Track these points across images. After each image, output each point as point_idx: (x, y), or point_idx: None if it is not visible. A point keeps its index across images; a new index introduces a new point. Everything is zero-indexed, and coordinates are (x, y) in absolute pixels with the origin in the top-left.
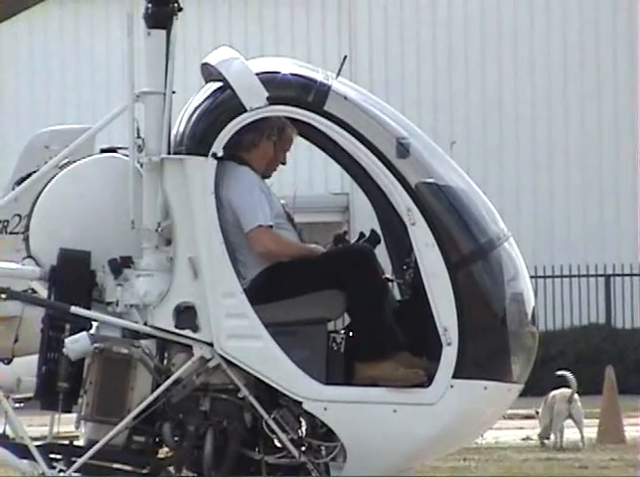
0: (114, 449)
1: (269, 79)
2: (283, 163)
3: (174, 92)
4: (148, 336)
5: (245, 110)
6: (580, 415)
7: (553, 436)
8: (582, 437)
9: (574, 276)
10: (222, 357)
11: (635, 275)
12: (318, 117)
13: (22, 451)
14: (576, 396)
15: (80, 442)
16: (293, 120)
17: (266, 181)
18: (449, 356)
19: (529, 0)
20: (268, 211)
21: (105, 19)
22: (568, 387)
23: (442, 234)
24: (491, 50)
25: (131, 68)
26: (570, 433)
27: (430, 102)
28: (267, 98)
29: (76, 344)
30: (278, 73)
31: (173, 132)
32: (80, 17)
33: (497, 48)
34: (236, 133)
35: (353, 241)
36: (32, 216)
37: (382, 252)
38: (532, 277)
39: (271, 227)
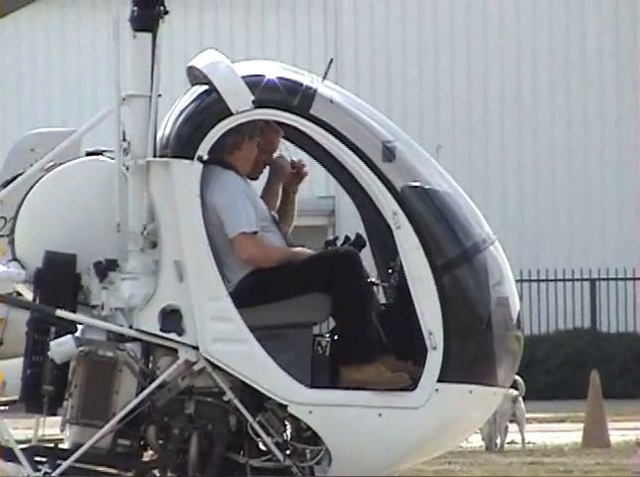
0: (99, 452)
1: (255, 83)
2: (269, 164)
3: (160, 95)
4: (133, 339)
5: (231, 114)
6: (522, 417)
7: (498, 436)
8: (523, 439)
9: (560, 280)
10: (207, 360)
11: (620, 280)
12: (304, 121)
13: (7, 454)
14: (520, 397)
15: (65, 445)
16: (279, 123)
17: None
18: (434, 360)
19: (515, 2)
20: (253, 216)
21: (91, 22)
22: (516, 388)
23: (428, 237)
24: (477, 53)
25: (117, 71)
26: (554, 437)
27: (416, 106)
28: (253, 102)
29: (61, 347)
30: (264, 76)
31: (159, 135)
32: (67, 20)
33: (483, 52)
34: (219, 136)
35: (339, 245)
36: (17, 218)
37: (367, 256)
38: (517, 281)
39: (256, 233)
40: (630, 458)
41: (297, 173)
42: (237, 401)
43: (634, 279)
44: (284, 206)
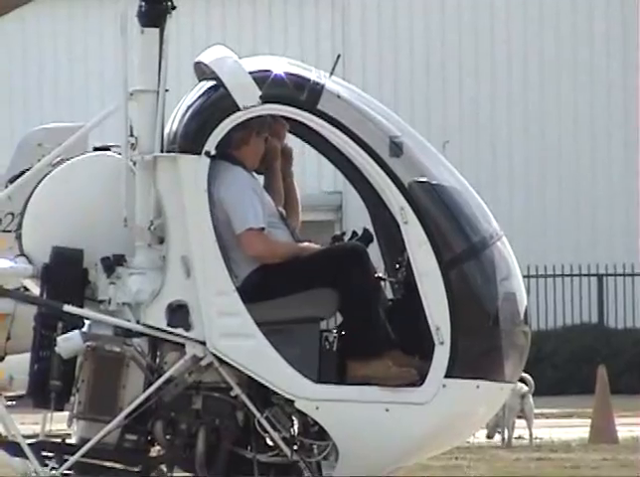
0: (106, 447)
1: (263, 78)
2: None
3: (167, 91)
4: (141, 334)
5: (239, 109)
6: (531, 412)
7: (506, 431)
8: (531, 435)
9: (567, 276)
10: (214, 355)
11: (627, 275)
12: (311, 116)
13: (14, 449)
14: (529, 393)
15: (73, 440)
16: (286, 119)
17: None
18: (441, 355)
19: (522, 0)
20: (260, 211)
21: (99, 17)
22: (525, 383)
23: (435, 232)
24: (484, 49)
25: (125, 66)
26: (562, 433)
27: (423, 102)
28: (260, 97)
29: (68, 342)
30: (271, 71)
31: (166, 131)
32: (74, 15)
33: (490, 47)
34: (227, 131)
35: (346, 240)
36: (25, 214)
37: (374, 251)
38: (524, 276)
39: (263, 229)
40: (637, 454)
41: (283, 151)
42: (244, 397)
43: None
44: (286, 196)
